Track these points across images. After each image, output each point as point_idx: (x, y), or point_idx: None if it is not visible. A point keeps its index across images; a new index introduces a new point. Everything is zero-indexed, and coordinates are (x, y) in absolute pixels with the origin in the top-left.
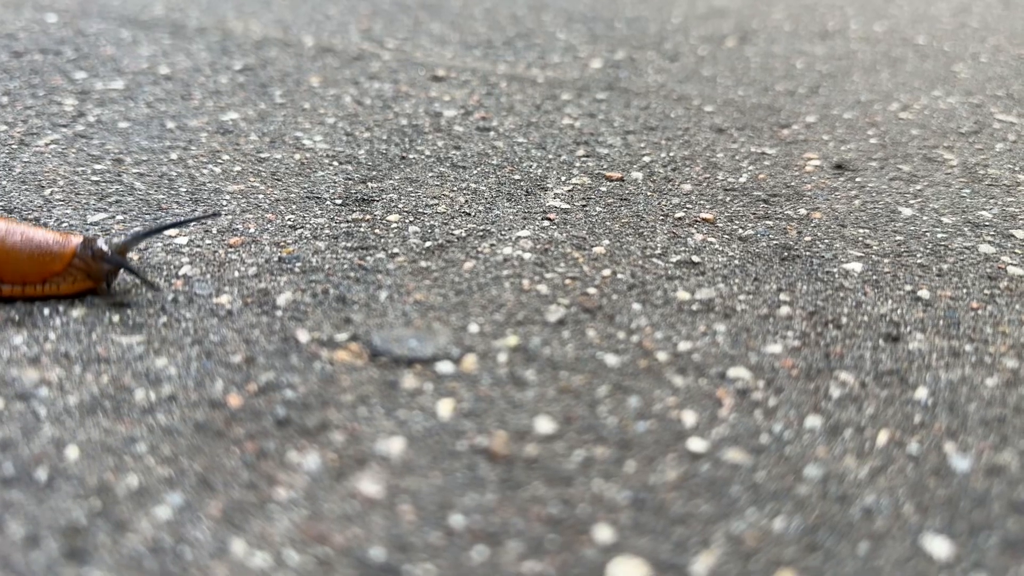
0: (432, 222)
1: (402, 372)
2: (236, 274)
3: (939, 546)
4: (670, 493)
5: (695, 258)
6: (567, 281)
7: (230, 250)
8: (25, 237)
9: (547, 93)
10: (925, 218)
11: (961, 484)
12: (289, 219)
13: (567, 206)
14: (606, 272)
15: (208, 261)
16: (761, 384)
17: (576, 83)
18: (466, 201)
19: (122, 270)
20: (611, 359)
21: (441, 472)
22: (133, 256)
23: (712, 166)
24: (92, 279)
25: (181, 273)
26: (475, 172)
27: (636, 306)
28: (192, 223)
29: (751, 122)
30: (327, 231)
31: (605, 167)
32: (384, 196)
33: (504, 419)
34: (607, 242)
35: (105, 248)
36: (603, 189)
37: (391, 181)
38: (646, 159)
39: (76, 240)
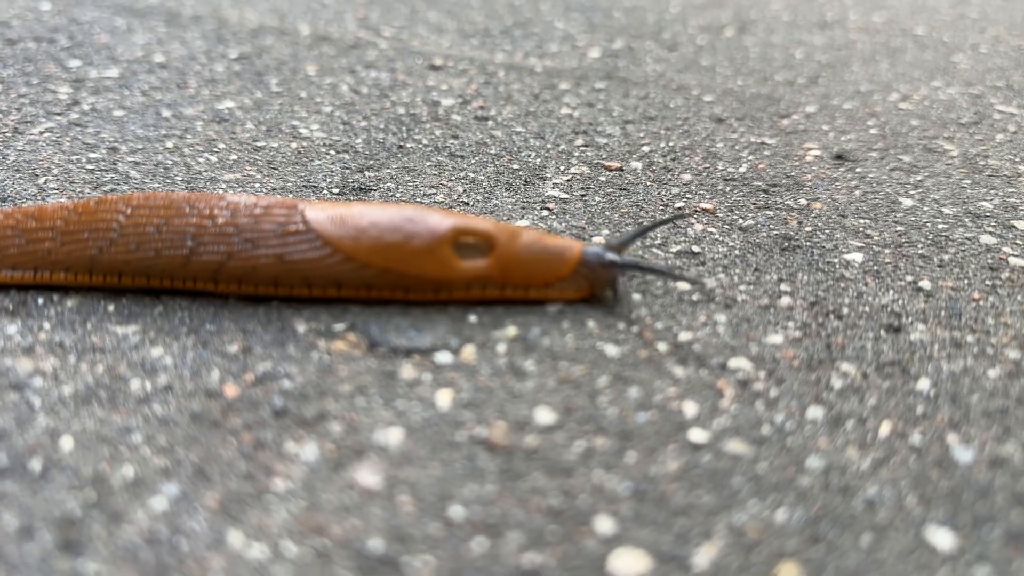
0: None
1: (400, 362)
2: None
3: (942, 538)
4: (671, 484)
5: (695, 248)
6: None
7: None
8: (533, 242)
9: (545, 82)
10: (926, 209)
11: (964, 476)
12: None
13: (566, 196)
14: None
15: None
16: (762, 375)
17: (574, 72)
18: (464, 191)
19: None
20: (611, 349)
21: (440, 463)
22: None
23: (712, 156)
24: (594, 285)
25: None
26: (473, 161)
27: (636, 296)
28: (672, 221)
29: (751, 112)
30: None
31: (604, 157)
32: (382, 185)
33: (504, 409)
34: (606, 232)
35: (611, 256)
36: (602, 179)
37: (388, 170)
38: (645, 149)
39: (579, 245)
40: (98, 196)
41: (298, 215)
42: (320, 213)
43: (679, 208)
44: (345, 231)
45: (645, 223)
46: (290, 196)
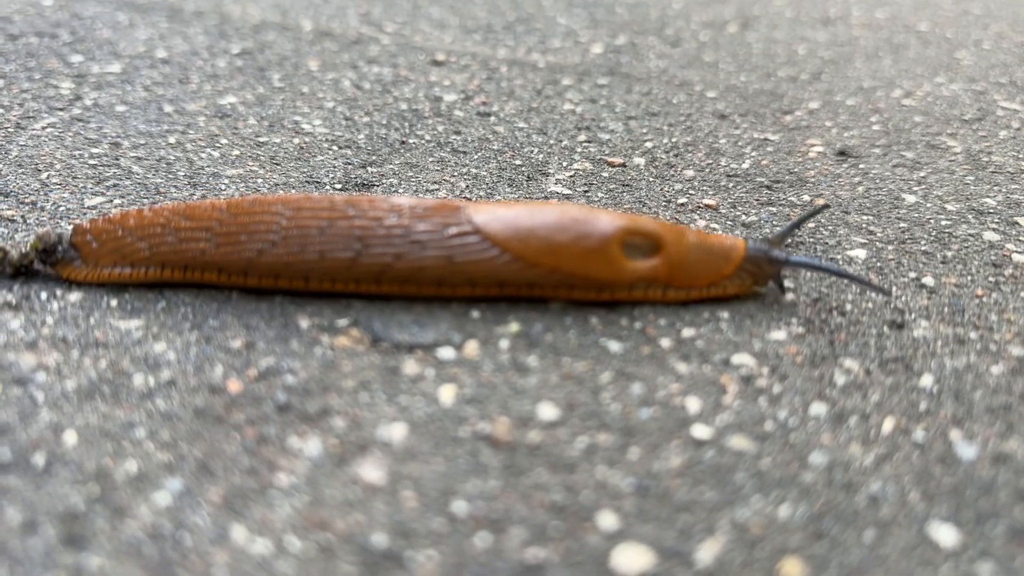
0: None
1: (403, 358)
2: None
3: (945, 534)
4: (674, 480)
5: None
6: None
7: None
8: (699, 241)
9: (548, 78)
10: (929, 205)
11: (967, 472)
12: None
13: (569, 192)
14: None
15: None
16: (765, 371)
17: (577, 68)
18: (467, 186)
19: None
20: (614, 346)
21: (443, 458)
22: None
23: (715, 152)
24: (758, 281)
25: None
26: (476, 157)
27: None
28: (819, 212)
29: (753, 108)
30: None
31: (607, 153)
32: (384, 181)
33: (507, 405)
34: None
35: (777, 253)
36: (605, 175)
37: (391, 166)
38: (648, 145)
39: (742, 243)
40: (252, 196)
41: (465, 216)
42: (487, 214)
43: (681, 205)
44: (513, 232)
45: (800, 216)
46: (291, 191)
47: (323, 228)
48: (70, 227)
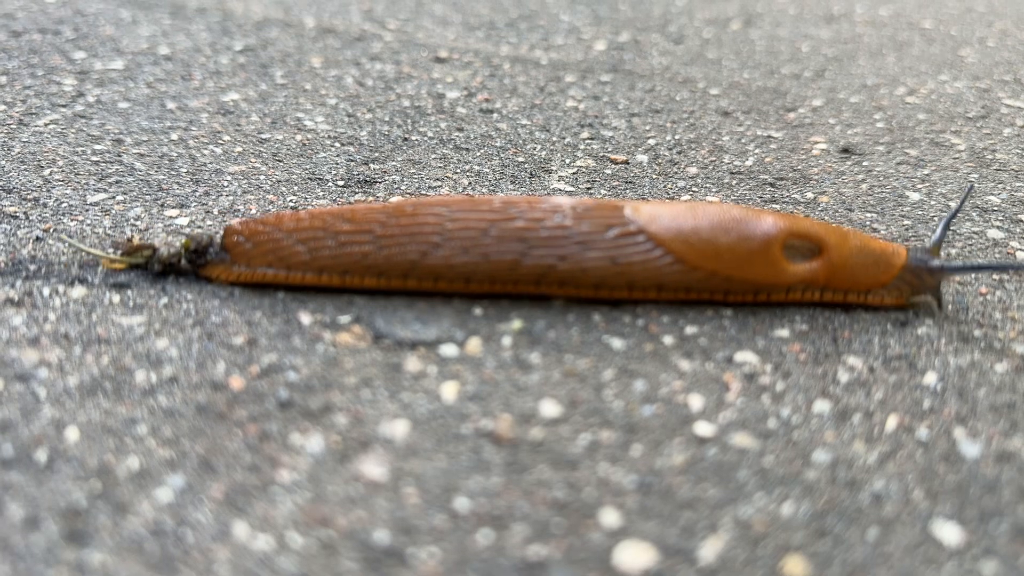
0: None
1: (405, 355)
2: None
3: (949, 532)
4: (677, 477)
5: None
6: None
7: None
8: (861, 245)
9: (551, 75)
10: (933, 203)
11: (971, 470)
12: (291, 200)
13: (571, 189)
14: None
15: None
16: (768, 368)
17: (580, 65)
18: (469, 183)
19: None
20: (617, 343)
21: (446, 455)
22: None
23: (718, 149)
24: (916, 291)
25: None
26: (478, 154)
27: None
28: (966, 200)
29: (757, 105)
30: None
31: (610, 150)
32: (387, 178)
33: (509, 402)
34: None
35: (937, 262)
36: (608, 172)
37: (393, 163)
38: (651, 142)
39: (903, 250)
40: (413, 198)
41: (627, 217)
42: (648, 215)
43: (686, 199)
44: (676, 233)
45: (948, 215)
46: (294, 188)
47: (486, 230)
48: (220, 229)
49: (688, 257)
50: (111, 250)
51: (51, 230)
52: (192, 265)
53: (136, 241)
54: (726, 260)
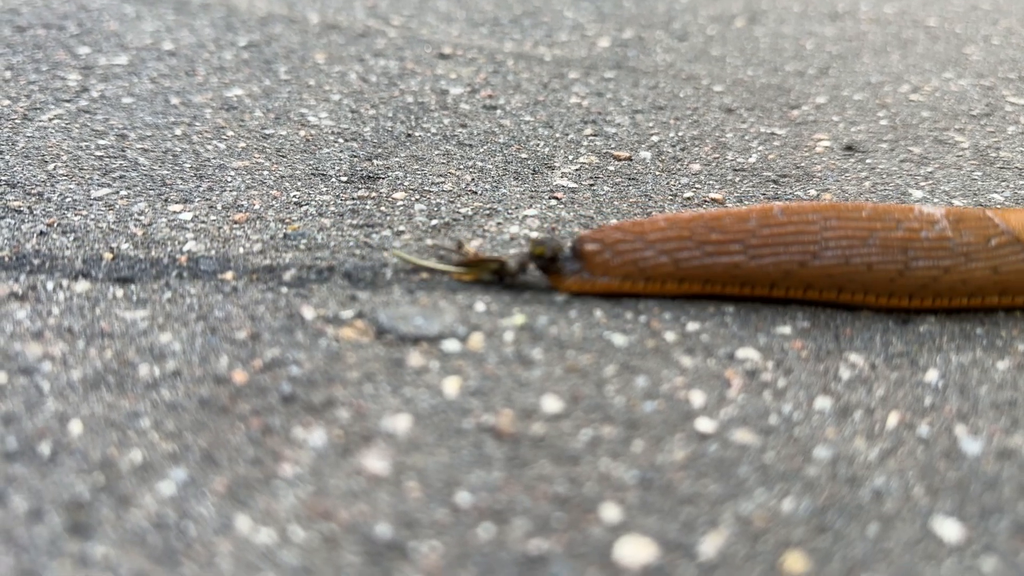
0: (438, 200)
1: (408, 350)
2: (241, 250)
3: (949, 529)
4: (678, 473)
5: None
6: None
7: (235, 226)
8: None
9: (554, 71)
10: (936, 200)
11: (971, 467)
12: (294, 196)
13: (574, 185)
14: None
15: (213, 237)
16: (770, 365)
17: (584, 62)
18: (472, 179)
19: None
20: (619, 339)
21: (447, 450)
22: None
23: (721, 146)
24: None
25: (185, 249)
26: (482, 150)
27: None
28: None
29: (761, 102)
30: (332, 208)
31: (613, 146)
32: (390, 174)
33: (511, 397)
34: (615, 222)
35: None
36: (611, 168)
37: (397, 159)
38: (654, 138)
39: None
40: (781, 203)
41: (1000, 227)
42: (1018, 223)
43: (688, 199)
44: None
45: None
46: (297, 183)
47: (866, 239)
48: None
49: None
50: (432, 259)
51: (55, 224)
52: (542, 272)
53: (472, 251)
54: None
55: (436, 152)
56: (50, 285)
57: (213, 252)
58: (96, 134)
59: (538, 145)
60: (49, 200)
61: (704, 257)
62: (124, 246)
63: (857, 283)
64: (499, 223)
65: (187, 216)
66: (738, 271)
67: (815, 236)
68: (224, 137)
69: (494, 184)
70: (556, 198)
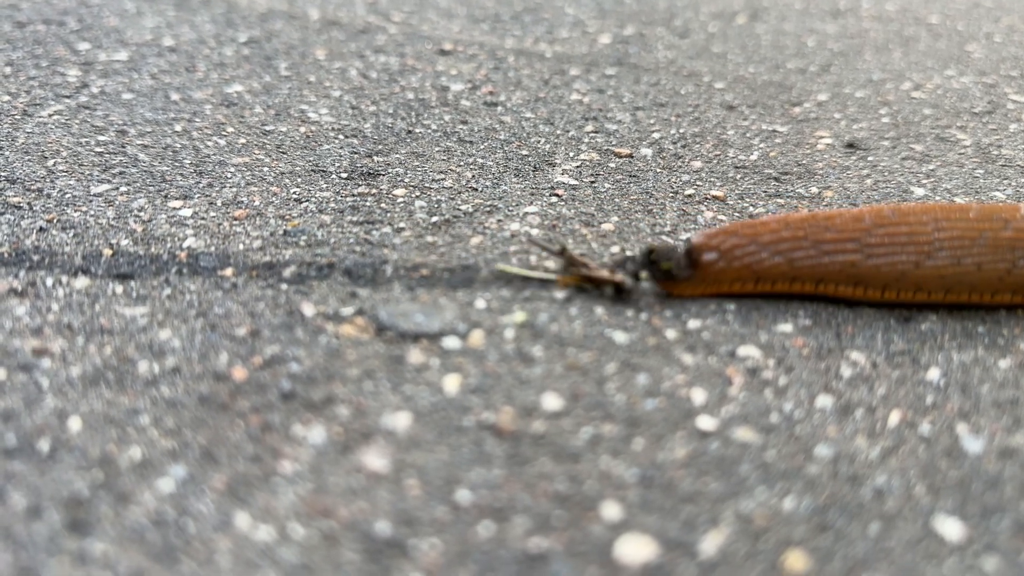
0: (439, 197)
1: (408, 347)
2: (241, 247)
3: (951, 528)
4: (679, 471)
5: None
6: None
7: (235, 223)
8: None
9: (555, 68)
10: (938, 198)
11: (973, 466)
12: (294, 192)
13: (575, 182)
14: (615, 249)
15: (212, 234)
16: (771, 363)
17: (585, 58)
18: (473, 176)
19: None
20: (620, 336)
21: (447, 447)
22: None
23: (723, 143)
24: None
25: (185, 246)
26: (482, 147)
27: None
28: None
29: (762, 99)
30: (333, 205)
31: (614, 143)
32: (390, 170)
33: (511, 395)
34: (616, 219)
35: None
36: (612, 165)
37: (397, 155)
38: (656, 135)
39: None
40: (891, 204)
41: None
42: None
43: (689, 196)
44: None
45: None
46: (298, 180)
47: (976, 239)
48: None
49: None
50: (533, 266)
51: (54, 220)
52: (656, 278)
53: (576, 255)
54: None
55: (437, 149)
56: (49, 281)
57: (213, 248)
58: (96, 130)
59: (539, 142)
60: (49, 196)
61: (820, 256)
62: (124, 242)
63: (965, 283)
64: (500, 220)
65: (187, 212)
66: (853, 270)
67: (928, 236)
68: (224, 133)
69: (495, 181)
70: (557, 195)
